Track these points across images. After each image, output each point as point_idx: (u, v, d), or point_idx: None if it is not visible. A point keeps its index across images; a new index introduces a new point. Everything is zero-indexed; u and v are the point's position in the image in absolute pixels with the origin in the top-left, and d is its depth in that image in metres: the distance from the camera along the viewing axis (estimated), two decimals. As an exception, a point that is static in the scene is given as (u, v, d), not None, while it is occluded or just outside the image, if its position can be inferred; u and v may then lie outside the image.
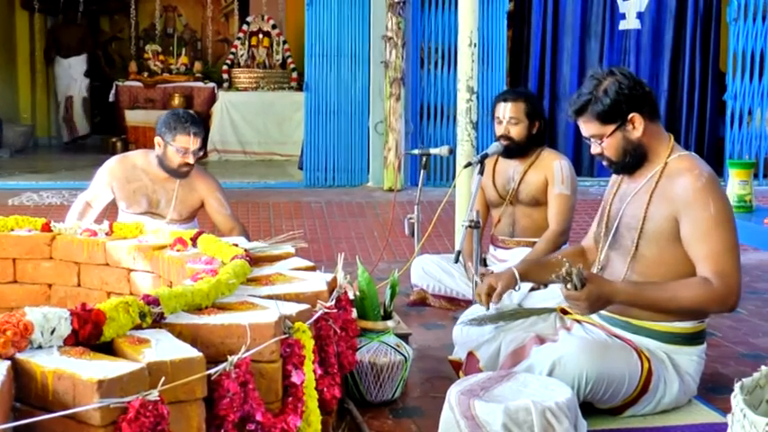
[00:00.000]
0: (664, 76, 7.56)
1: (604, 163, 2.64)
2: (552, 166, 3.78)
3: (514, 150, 3.80)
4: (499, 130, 3.82)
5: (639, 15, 7.47)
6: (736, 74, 7.27)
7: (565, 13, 7.58)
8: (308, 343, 2.00)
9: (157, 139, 3.72)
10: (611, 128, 2.54)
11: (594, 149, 2.62)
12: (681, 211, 2.47)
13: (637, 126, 2.53)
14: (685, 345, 2.58)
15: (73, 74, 9.88)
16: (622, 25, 7.51)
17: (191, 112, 3.96)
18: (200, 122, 3.79)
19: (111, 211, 3.91)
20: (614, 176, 2.76)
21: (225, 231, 3.74)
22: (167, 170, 3.73)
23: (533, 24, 7.61)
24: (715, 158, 7.59)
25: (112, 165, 3.85)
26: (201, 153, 3.77)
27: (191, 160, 3.68)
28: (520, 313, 2.78)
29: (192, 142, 3.65)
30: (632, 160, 2.58)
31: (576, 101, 2.58)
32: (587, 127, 2.59)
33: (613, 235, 2.64)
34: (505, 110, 3.79)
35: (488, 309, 2.73)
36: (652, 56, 7.55)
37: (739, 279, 2.44)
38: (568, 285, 2.39)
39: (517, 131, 3.77)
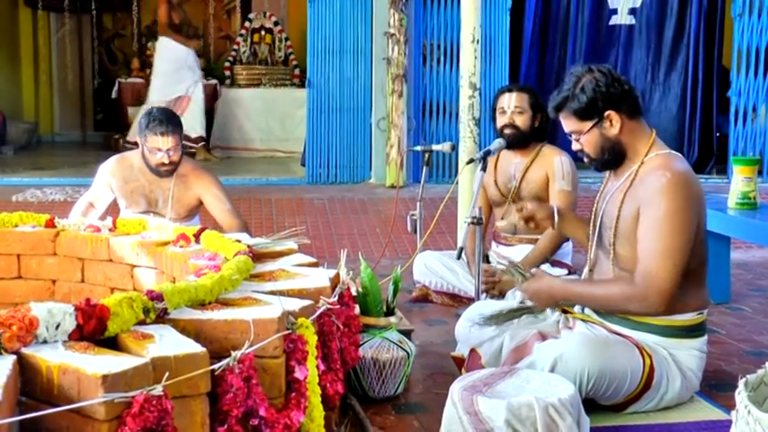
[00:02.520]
0: (658, 71, 7.53)
1: (585, 159, 2.68)
2: (553, 162, 3.78)
3: (519, 139, 3.78)
4: (502, 120, 3.80)
5: (633, 11, 7.46)
6: (740, 70, 7.23)
7: (559, 8, 7.56)
8: (311, 339, 2.00)
9: (138, 139, 3.69)
10: (589, 125, 2.58)
11: (575, 146, 2.67)
12: (641, 209, 2.50)
13: (614, 123, 2.56)
14: (685, 338, 2.58)
15: (190, 65, 8.62)
16: (613, 20, 7.50)
17: (166, 109, 3.74)
18: (173, 120, 3.62)
19: (114, 210, 3.91)
20: (605, 174, 2.78)
21: (225, 228, 3.64)
22: (150, 169, 3.68)
23: (527, 20, 7.59)
24: (719, 155, 7.58)
25: (111, 165, 3.83)
26: (181, 152, 3.64)
27: (166, 160, 3.60)
28: (522, 310, 2.78)
29: (163, 142, 3.56)
30: (610, 157, 2.61)
31: (556, 98, 2.64)
32: (566, 123, 2.64)
33: (598, 234, 2.67)
34: (510, 100, 3.79)
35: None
36: (649, 51, 7.52)
37: (667, 283, 2.42)
38: (514, 278, 2.74)
39: (522, 120, 3.77)
